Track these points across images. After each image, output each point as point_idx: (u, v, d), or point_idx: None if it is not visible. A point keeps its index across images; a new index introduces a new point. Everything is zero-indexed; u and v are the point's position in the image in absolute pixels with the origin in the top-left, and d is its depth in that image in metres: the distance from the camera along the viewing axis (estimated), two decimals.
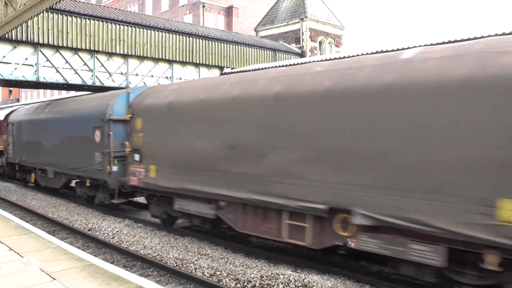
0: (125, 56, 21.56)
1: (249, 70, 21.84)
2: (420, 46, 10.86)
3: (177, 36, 23.43)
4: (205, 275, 7.96)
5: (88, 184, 14.62)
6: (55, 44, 18.98)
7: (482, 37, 13.81)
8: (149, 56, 22.24)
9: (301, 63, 16.89)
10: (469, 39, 13.41)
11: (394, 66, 6.87)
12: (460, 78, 5.95)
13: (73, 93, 28.03)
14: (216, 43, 25.33)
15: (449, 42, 14.37)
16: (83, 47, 19.87)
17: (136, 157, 11.52)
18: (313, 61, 18.29)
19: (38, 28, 18.48)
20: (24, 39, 18.18)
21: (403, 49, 13.96)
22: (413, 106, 6.37)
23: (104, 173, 13.35)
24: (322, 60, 15.45)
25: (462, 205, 5.83)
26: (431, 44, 15.12)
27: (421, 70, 6.43)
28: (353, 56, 17.26)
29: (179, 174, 10.15)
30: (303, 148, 7.67)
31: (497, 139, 5.62)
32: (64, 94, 44.94)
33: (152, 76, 22.93)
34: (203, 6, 41.56)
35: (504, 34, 13.80)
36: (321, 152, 7.44)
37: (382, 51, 16.79)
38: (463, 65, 6.01)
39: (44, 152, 17.44)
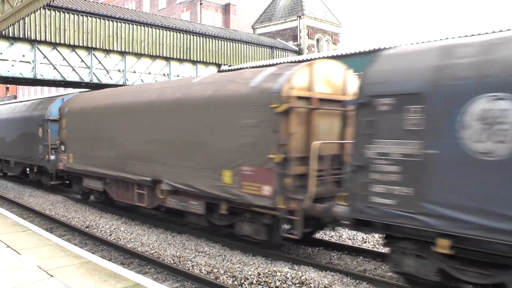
0: (122, 53, 21.54)
1: (246, 68, 21.84)
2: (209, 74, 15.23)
3: (175, 34, 23.39)
4: (202, 272, 7.98)
5: (35, 170, 18.57)
6: (52, 41, 18.96)
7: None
8: (146, 53, 22.21)
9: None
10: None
11: (184, 87, 10.40)
12: (206, 97, 9.47)
13: (70, 90, 27.99)
14: (214, 40, 25.29)
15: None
16: (81, 44, 19.85)
17: (62, 148, 15.08)
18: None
19: (36, 25, 18.44)
20: (21, 36, 18.16)
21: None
22: (188, 114, 9.80)
23: (45, 161, 17.11)
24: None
25: (208, 174, 9.28)
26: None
27: (194, 91, 9.93)
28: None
29: (85, 159, 13.81)
30: (140, 140, 11.32)
31: (224, 134, 8.94)
32: (61, 91, 44.79)
33: (150, 73, 22.90)
34: (201, 4, 41.46)
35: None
36: (147, 142, 11.01)
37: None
38: (210, 89, 9.53)
39: (7, 146, 21.28)
